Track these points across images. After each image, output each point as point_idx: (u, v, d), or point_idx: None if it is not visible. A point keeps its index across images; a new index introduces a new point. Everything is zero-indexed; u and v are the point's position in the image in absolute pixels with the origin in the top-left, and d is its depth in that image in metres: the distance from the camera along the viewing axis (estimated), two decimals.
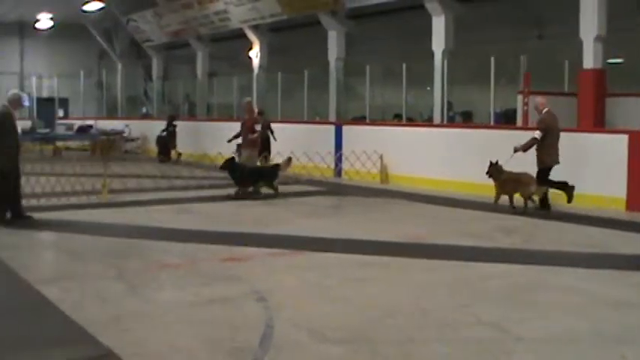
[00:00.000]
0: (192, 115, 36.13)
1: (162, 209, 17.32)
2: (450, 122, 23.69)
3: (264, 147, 25.02)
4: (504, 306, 8.89)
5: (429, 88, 24.08)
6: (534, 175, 16.32)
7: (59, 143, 35.68)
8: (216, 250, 12.27)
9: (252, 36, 30.74)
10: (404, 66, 23.51)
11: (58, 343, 7.59)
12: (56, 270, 11.55)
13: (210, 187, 21.10)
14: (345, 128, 24.60)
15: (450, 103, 23.93)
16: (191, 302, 9.04)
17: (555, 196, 16.75)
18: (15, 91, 16.45)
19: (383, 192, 20.20)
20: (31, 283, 9.97)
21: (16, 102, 15.36)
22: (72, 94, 41.87)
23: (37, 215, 15.38)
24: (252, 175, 19.40)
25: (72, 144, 37.15)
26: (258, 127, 20.28)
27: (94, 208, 17.24)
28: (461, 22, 22.91)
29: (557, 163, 16.43)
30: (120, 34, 41.34)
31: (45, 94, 41.94)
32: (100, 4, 35.35)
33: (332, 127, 25.00)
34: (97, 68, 43.83)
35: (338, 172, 23.70)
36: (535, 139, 16.29)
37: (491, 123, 21.06)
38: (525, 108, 19.68)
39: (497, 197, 16.84)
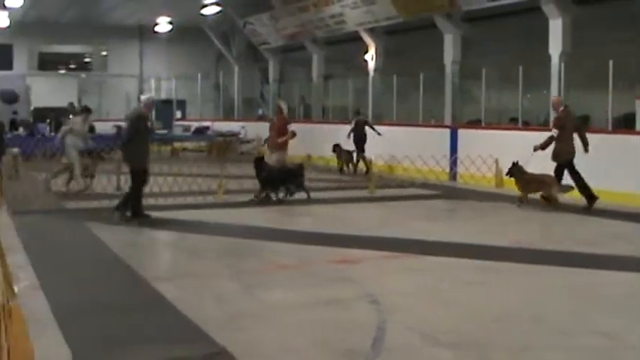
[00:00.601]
0: (307, 118, 36.30)
1: (276, 210, 17.51)
2: None
3: (359, 147, 25.32)
4: (617, 314, 8.76)
5: (545, 92, 23.73)
6: (553, 172, 17.42)
7: (176, 144, 36.33)
8: (328, 252, 12.34)
9: (367, 39, 30.76)
10: (520, 69, 23.23)
11: (175, 340, 7.77)
12: (173, 268, 11.81)
13: (326, 189, 21.24)
14: (461, 132, 24.45)
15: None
16: (304, 303, 9.14)
17: None
18: (150, 94, 17.18)
19: (498, 196, 19.97)
20: (148, 281, 10.22)
21: (150, 105, 16.36)
22: (189, 95, 42.61)
23: (155, 214, 15.71)
24: (280, 177, 18.59)
25: (189, 145, 37.79)
26: (291, 127, 20.09)
27: (210, 208, 17.53)
28: (578, 24, 22.51)
29: (572, 157, 17.31)
30: (237, 37, 41.76)
31: (163, 95, 42.73)
32: (218, 8, 35.81)
33: (447, 131, 24.88)
34: (214, 70, 44.47)
35: (453, 175, 23.55)
36: (552, 137, 17.38)
37: (609, 128, 20.64)
38: None
39: (524, 196, 17.87)
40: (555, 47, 22.38)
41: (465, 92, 27.75)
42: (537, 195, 17.57)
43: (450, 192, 21.14)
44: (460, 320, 8.43)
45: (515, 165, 17.92)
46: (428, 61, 28.81)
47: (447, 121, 26.71)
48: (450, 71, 26.65)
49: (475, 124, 26.38)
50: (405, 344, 7.53)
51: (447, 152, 23.91)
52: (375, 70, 30.88)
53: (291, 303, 9.19)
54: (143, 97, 16.65)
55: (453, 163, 23.40)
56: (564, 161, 17.24)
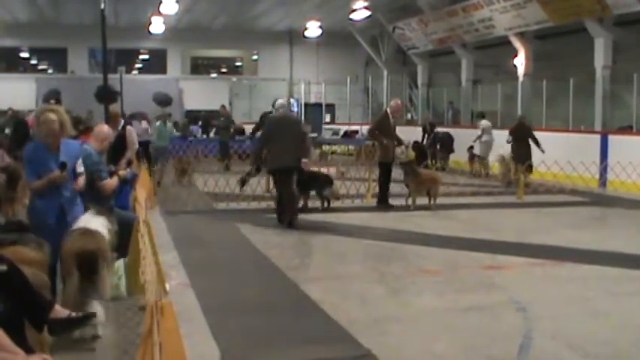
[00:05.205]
0: (456, 123, 36.10)
1: (423, 215, 17.54)
2: None
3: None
4: None
5: None
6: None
7: (325, 147, 36.60)
8: (475, 258, 12.35)
9: (516, 43, 30.39)
10: None
11: (321, 341, 7.93)
12: (320, 271, 11.95)
13: (472, 194, 21.14)
14: (611, 138, 23.96)
15: None
16: (449, 308, 9.18)
17: None
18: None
19: None
20: (296, 283, 10.44)
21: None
22: (338, 99, 42.96)
23: (302, 217, 15.96)
24: (308, 181, 17.24)
25: (337, 148, 38.03)
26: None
27: (358, 212, 17.71)
28: None
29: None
30: (386, 42, 41.79)
31: (312, 99, 43.17)
32: (367, 13, 35.92)
33: (597, 137, 24.42)
34: (363, 75, 44.70)
35: (602, 182, 23.10)
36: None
37: None
38: None
39: (414, 198, 18.33)
40: None
41: (615, 97, 27.12)
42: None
43: (600, 199, 20.76)
44: (610, 332, 8.30)
45: (408, 164, 18.99)
46: (578, 65, 28.34)
47: (597, 127, 26.20)
48: (601, 76, 26.09)
49: (626, 130, 25.81)
50: (552, 354, 7.48)
51: (597, 159, 23.47)
52: (525, 74, 30.49)
53: (436, 308, 9.24)
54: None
55: (603, 169, 22.96)
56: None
